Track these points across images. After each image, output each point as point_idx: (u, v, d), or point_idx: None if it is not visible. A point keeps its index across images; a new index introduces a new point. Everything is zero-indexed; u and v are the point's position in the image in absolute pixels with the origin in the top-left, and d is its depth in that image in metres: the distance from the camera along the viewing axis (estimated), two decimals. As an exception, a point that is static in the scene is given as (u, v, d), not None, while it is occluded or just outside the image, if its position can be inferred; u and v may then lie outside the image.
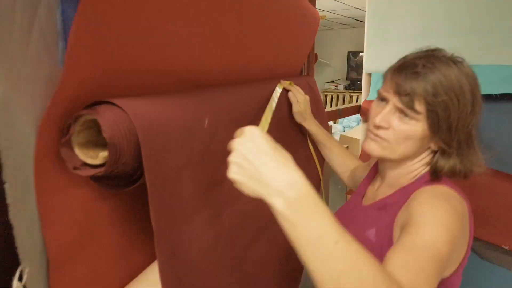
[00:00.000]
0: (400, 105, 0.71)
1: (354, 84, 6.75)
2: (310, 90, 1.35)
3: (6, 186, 0.40)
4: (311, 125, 1.20)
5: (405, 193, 0.73)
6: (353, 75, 6.89)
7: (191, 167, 0.63)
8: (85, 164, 0.49)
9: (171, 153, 0.56)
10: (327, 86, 6.93)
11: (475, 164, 0.73)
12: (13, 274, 0.43)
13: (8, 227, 0.41)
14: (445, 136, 0.70)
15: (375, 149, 0.77)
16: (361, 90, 1.99)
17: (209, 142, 0.68)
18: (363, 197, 0.91)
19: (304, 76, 1.52)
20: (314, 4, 1.61)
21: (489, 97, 1.22)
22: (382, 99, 0.76)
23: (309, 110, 1.20)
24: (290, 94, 1.18)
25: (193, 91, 0.71)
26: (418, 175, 0.77)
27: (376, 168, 0.92)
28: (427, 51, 0.75)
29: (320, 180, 1.36)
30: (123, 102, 0.49)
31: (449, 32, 1.35)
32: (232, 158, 0.51)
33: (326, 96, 6.60)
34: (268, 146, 0.51)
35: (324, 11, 4.90)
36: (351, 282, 0.45)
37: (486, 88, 1.21)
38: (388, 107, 0.73)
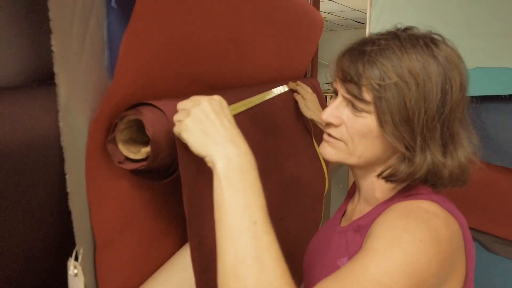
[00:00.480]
0: (347, 95, 0.58)
1: (353, 85, 6.81)
2: (315, 91, 1.41)
3: (67, 177, 0.47)
4: None
5: (380, 211, 0.59)
6: (352, 76, 6.94)
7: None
8: (127, 159, 0.55)
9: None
10: (326, 87, 7.00)
11: (451, 176, 0.56)
12: (69, 254, 0.50)
13: (68, 213, 0.47)
14: (403, 132, 0.54)
15: (329, 152, 0.63)
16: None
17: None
18: (342, 216, 0.76)
19: (308, 78, 1.59)
20: (318, 8, 1.67)
21: (499, 98, 1.28)
22: (336, 92, 0.63)
23: (317, 105, 1.23)
24: (295, 93, 1.24)
25: (215, 92, 0.77)
26: (398, 188, 0.61)
27: None
28: (392, 30, 0.60)
29: (325, 178, 1.42)
30: (161, 104, 0.55)
31: (457, 35, 1.37)
32: (193, 109, 0.51)
33: (326, 96, 6.67)
34: (231, 117, 0.53)
35: (324, 13, 4.97)
36: (249, 271, 0.42)
37: (497, 89, 1.27)
38: (338, 100, 0.61)
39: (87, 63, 0.50)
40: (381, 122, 0.55)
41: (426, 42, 0.56)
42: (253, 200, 0.47)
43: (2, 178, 0.43)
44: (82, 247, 0.50)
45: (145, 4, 0.50)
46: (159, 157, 0.54)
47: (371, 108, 0.56)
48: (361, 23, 6.39)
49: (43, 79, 0.56)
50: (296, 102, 1.26)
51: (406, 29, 0.60)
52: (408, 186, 0.60)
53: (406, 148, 0.55)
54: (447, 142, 0.57)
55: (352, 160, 0.61)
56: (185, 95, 0.67)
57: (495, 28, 1.28)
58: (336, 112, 0.61)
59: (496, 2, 1.29)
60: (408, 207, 0.55)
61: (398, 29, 0.60)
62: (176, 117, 0.53)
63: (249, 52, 0.93)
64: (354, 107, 0.58)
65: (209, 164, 0.50)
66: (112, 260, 0.57)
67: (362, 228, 0.61)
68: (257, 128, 0.92)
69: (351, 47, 0.60)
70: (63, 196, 0.47)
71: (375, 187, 0.64)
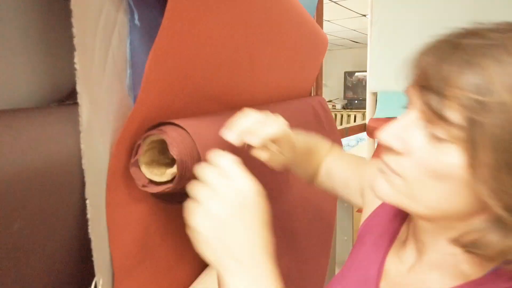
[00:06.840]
0: (425, 109, 0.39)
1: (351, 103, 6.92)
2: (323, 109, 1.40)
3: (88, 202, 0.44)
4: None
5: None
6: (350, 94, 7.05)
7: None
8: (151, 182, 0.52)
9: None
10: (324, 105, 7.07)
11: None
12: (86, 285, 0.46)
13: (87, 241, 0.44)
14: (507, 184, 0.35)
15: (384, 190, 0.44)
16: (358, 109, 2.06)
17: (246, 160, 0.72)
18: (379, 273, 0.51)
19: (315, 96, 1.58)
20: (321, 27, 1.68)
21: None
22: (409, 104, 0.43)
23: (292, 147, 0.64)
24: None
25: (232, 112, 0.75)
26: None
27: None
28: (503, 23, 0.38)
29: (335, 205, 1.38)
30: (183, 123, 0.53)
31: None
32: (209, 204, 0.44)
33: (335, 115, 6.72)
34: (259, 214, 0.45)
35: (322, 32, 5.04)
36: None
37: None
38: (409, 116, 0.42)
39: (108, 82, 0.48)
40: (472, 161, 0.36)
41: None
42: None
43: (21, 203, 0.40)
44: (101, 277, 0.47)
45: (172, 22, 0.48)
46: (185, 177, 0.51)
47: (459, 135, 0.36)
48: (357, 43, 6.49)
49: (60, 100, 0.54)
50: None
51: None
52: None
53: (506, 209, 0.35)
54: None
55: (415, 208, 0.42)
56: (201, 112, 0.65)
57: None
58: (404, 133, 0.41)
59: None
60: None
61: None
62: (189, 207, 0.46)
63: (262, 71, 0.92)
64: (433, 131, 0.39)
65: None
66: (131, 290, 0.53)
67: None
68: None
69: (441, 38, 0.40)
70: (83, 222, 0.44)
71: (456, 253, 0.42)
